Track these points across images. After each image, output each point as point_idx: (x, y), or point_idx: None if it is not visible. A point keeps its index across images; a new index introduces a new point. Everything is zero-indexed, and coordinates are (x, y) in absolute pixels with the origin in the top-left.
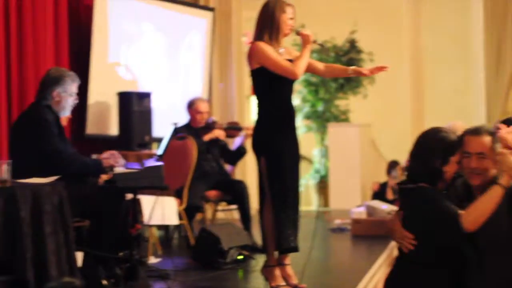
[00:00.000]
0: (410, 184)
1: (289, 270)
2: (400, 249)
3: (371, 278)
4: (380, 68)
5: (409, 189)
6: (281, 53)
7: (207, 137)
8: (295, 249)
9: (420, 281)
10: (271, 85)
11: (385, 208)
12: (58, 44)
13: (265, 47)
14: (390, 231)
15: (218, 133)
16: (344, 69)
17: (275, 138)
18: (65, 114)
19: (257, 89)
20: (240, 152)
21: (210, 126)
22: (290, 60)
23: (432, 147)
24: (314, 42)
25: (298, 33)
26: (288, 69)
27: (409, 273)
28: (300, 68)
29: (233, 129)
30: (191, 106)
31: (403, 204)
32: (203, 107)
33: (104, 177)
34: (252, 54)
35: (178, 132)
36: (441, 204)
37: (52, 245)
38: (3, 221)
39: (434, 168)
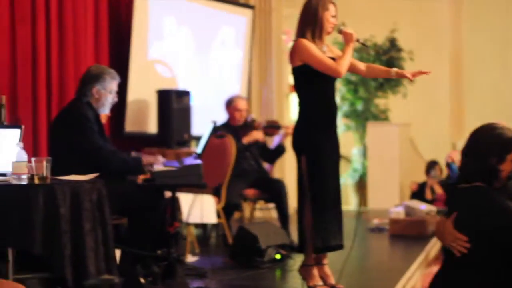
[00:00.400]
0: (463, 184)
1: (327, 269)
2: (448, 252)
3: (409, 278)
4: (423, 72)
5: (463, 189)
6: (324, 52)
7: (245, 140)
8: (332, 248)
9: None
10: (314, 83)
11: (424, 208)
12: (98, 41)
13: (309, 44)
14: (440, 233)
15: (257, 135)
16: (386, 71)
17: (317, 137)
18: (105, 111)
19: (299, 87)
20: (279, 150)
21: (249, 125)
22: (333, 59)
23: (488, 144)
24: (357, 41)
25: (340, 32)
26: (332, 67)
27: (459, 278)
28: (343, 67)
29: (272, 127)
30: (230, 104)
31: (455, 204)
32: (242, 105)
33: (141, 177)
34: (296, 51)
35: (217, 130)
36: (503, 205)
37: (90, 242)
38: (43, 218)
39: (490, 166)
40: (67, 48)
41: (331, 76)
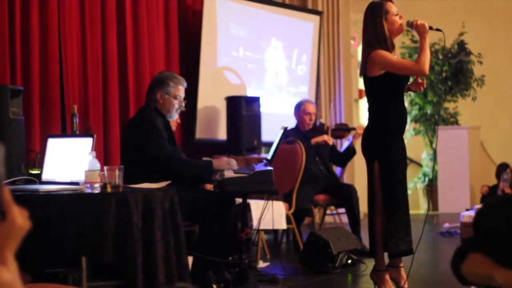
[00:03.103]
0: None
1: (403, 272)
2: None
3: None
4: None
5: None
6: None
7: (313, 141)
8: (406, 252)
9: None
10: (392, 90)
11: None
12: (169, 50)
13: (386, 53)
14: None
15: (326, 137)
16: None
17: (390, 142)
18: (172, 117)
19: (377, 95)
20: (350, 152)
21: (318, 129)
22: None
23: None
24: (431, 28)
25: (411, 25)
26: (414, 68)
27: None
28: (425, 64)
29: (342, 130)
30: (299, 108)
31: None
32: (311, 108)
33: (208, 186)
34: (374, 62)
35: (287, 136)
36: None
37: (162, 250)
38: (115, 226)
39: None
40: (143, 57)
41: (406, 81)
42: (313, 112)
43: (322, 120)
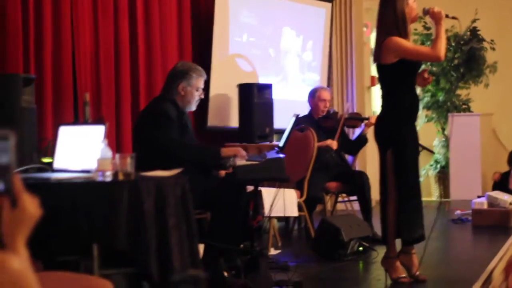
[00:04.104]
0: None
1: (415, 259)
2: None
3: (492, 269)
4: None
5: None
6: None
7: (317, 145)
8: (419, 238)
9: None
10: (406, 78)
11: (507, 198)
12: (181, 38)
13: (401, 40)
14: None
15: (330, 143)
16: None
17: (404, 130)
18: (191, 109)
19: (390, 82)
20: (361, 141)
21: (331, 117)
22: None
23: None
24: (447, 16)
25: (427, 12)
26: (430, 54)
27: None
28: (441, 50)
29: (354, 119)
30: (314, 94)
31: None
32: (325, 95)
33: (223, 172)
34: (389, 49)
35: (300, 123)
36: None
37: (175, 238)
38: (127, 214)
39: None
40: (154, 45)
41: (419, 68)
42: (328, 98)
43: (335, 109)
